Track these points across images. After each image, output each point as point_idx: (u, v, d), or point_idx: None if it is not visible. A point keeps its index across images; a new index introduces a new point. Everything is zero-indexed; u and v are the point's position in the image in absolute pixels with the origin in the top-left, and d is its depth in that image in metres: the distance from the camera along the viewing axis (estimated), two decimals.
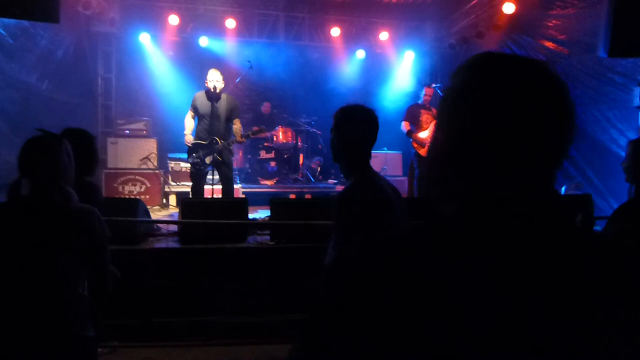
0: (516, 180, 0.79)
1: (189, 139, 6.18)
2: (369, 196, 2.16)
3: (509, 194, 0.79)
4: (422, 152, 7.23)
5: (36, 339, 2.01)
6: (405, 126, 7.42)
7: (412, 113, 7.48)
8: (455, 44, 9.25)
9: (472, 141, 0.79)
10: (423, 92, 7.56)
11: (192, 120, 6.26)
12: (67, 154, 2.19)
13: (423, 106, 7.50)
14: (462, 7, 8.89)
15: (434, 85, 7.28)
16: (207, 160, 6.11)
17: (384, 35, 9.53)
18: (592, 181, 6.32)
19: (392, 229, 2.01)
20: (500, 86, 0.79)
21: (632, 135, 5.74)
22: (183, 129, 6.30)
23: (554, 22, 6.95)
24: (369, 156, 2.36)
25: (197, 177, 6.29)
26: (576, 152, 5.64)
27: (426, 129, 7.36)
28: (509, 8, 7.52)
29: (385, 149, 9.20)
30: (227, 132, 6.25)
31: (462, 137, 0.80)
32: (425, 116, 7.44)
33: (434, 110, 7.39)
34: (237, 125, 6.27)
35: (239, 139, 6.17)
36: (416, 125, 7.41)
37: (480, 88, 0.80)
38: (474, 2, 8.52)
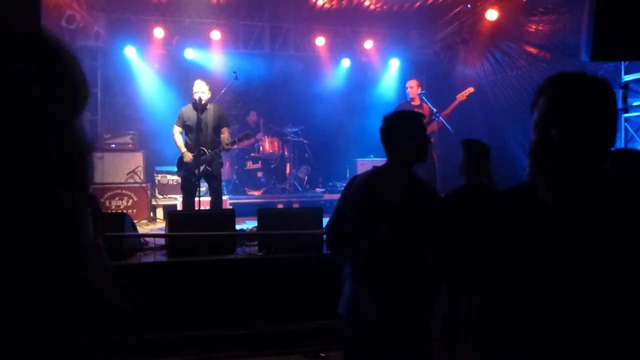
0: None
1: (188, 156, 6.08)
2: (351, 182, 2.73)
3: None
4: None
5: (26, 348, 1.97)
6: None
7: None
8: (439, 51, 9.33)
9: None
10: (406, 87, 7.18)
11: (180, 136, 6.22)
12: None
13: (414, 105, 7.07)
14: (446, 15, 8.97)
15: (419, 92, 7.19)
16: (197, 171, 6.08)
17: (368, 44, 9.59)
18: None
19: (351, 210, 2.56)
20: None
21: None
22: (170, 141, 6.26)
23: (535, 27, 7.03)
24: (387, 154, 2.62)
25: (188, 190, 6.22)
26: None
27: None
28: (492, 15, 7.60)
29: (371, 156, 9.22)
30: (215, 142, 6.22)
31: None
32: None
33: (426, 107, 7.11)
34: (224, 135, 6.24)
35: (225, 147, 6.13)
36: None
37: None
38: (457, 9, 8.60)
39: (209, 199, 6.44)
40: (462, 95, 6.83)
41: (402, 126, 2.55)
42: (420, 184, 2.59)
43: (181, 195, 6.68)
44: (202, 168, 6.04)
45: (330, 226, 2.73)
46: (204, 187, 6.49)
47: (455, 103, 6.86)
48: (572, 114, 1.29)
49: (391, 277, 2.42)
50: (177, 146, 6.21)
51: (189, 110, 6.18)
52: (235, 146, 6.38)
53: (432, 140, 6.99)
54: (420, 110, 7.03)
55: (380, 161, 9.20)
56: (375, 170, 2.62)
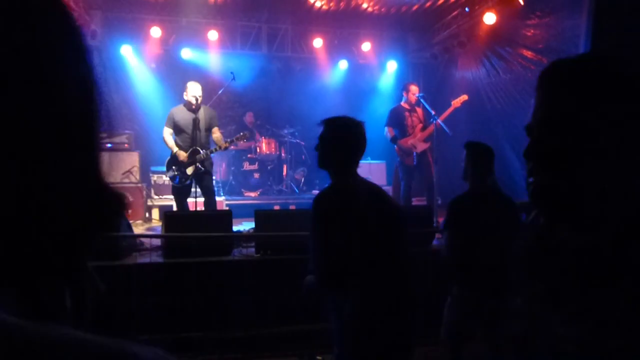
0: None
1: (183, 154, 5.99)
2: (329, 204, 2.34)
3: None
4: (408, 161, 6.86)
5: None
6: (389, 132, 7.00)
7: (396, 116, 7.03)
8: (437, 54, 9.35)
9: None
10: (408, 90, 7.03)
11: (171, 137, 6.16)
12: None
13: (407, 108, 7.03)
14: (443, 18, 8.99)
15: (417, 95, 7.16)
16: (189, 171, 6.02)
17: (366, 46, 9.59)
18: None
19: (351, 237, 2.17)
20: None
21: None
22: (165, 143, 6.20)
23: (532, 31, 7.04)
24: (351, 165, 2.46)
25: (180, 192, 6.17)
26: None
27: (412, 134, 6.91)
28: (489, 18, 7.61)
29: (369, 158, 9.20)
30: (208, 142, 6.20)
31: None
32: (410, 120, 6.97)
33: (420, 112, 7.09)
34: (217, 134, 6.22)
35: (223, 145, 6.10)
36: (401, 131, 6.95)
37: None
38: (454, 13, 8.62)
39: (202, 199, 6.40)
40: (457, 102, 6.83)
41: (359, 135, 2.46)
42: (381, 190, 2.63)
43: None
44: (195, 167, 6.01)
45: (327, 264, 2.30)
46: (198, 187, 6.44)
47: (451, 109, 6.85)
48: (555, 111, 1.02)
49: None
50: (168, 147, 6.13)
51: (180, 111, 6.13)
52: (232, 146, 6.34)
53: (428, 144, 7.00)
54: (414, 114, 7.07)
55: (377, 163, 9.14)
56: (349, 184, 2.43)
